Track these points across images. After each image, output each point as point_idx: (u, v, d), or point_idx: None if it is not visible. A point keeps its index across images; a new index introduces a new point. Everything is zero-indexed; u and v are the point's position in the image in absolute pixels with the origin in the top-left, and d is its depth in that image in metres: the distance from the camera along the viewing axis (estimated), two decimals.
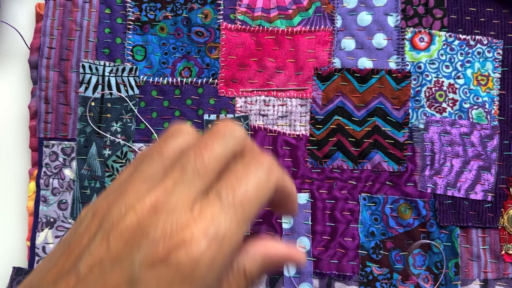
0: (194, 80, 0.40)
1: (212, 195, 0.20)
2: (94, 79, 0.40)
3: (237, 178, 0.20)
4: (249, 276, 0.22)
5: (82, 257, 0.20)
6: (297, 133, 0.39)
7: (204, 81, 0.40)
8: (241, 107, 0.40)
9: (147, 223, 0.19)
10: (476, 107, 0.39)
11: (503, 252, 0.37)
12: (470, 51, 0.39)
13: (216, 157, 0.21)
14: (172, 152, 0.22)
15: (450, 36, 0.39)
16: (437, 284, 0.37)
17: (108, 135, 0.39)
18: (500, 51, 0.39)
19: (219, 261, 0.19)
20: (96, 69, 0.40)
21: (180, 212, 0.20)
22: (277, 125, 0.39)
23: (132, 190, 0.20)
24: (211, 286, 0.19)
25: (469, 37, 0.39)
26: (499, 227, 0.38)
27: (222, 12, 0.40)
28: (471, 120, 0.39)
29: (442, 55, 0.39)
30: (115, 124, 0.40)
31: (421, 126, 0.39)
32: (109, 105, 0.40)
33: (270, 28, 0.40)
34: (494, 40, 0.39)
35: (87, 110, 0.40)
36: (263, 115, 0.39)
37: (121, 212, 0.20)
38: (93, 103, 0.40)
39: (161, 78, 0.40)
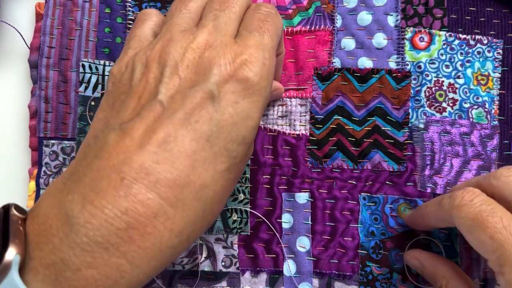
0: None
1: (246, 32, 0.26)
2: (94, 79, 0.40)
3: (264, 18, 0.27)
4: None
5: (158, 92, 0.23)
6: (297, 132, 0.39)
7: None
8: None
9: (209, 55, 0.24)
10: (476, 106, 0.39)
11: None
12: (470, 50, 0.39)
13: (238, 3, 0.27)
14: (197, 5, 0.27)
15: (450, 35, 0.39)
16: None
17: None
18: (500, 51, 0.39)
19: (270, 75, 0.25)
20: (96, 68, 0.40)
21: (230, 45, 0.25)
22: (277, 125, 0.39)
23: (178, 38, 0.25)
24: (269, 96, 0.26)
25: (469, 36, 0.39)
26: None
27: None
28: (471, 119, 0.39)
29: (442, 54, 0.39)
30: None
31: (421, 125, 0.39)
32: None
33: None
34: (494, 39, 0.39)
35: (87, 110, 0.40)
36: (263, 115, 0.39)
37: (179, 52, 0.24)
38: (93, 103, 0.40)
39: None
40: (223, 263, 0.38)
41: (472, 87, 0.39)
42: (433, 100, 0.39)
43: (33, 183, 0.40)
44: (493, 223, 0.25)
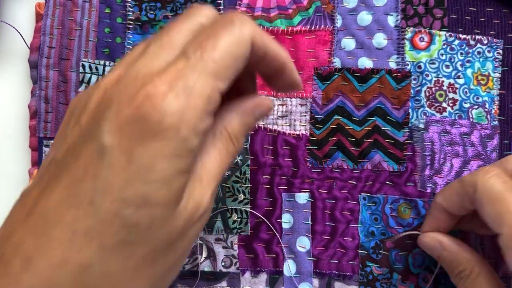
0: None
1: (178, 56, 0.19)
2: (94, 79, 0.40)
3: (206, 36, 0.19)
4: (233, 136, 0.22)
5: (58, 146, 0.20)
6: (297, 132, 0.39)
7: None
8: None
9: (111, 93, 0.19)
10: (476, 106, 0.39)
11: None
12: (470, 50, 0.39)
13: (181, 30, 0.20)
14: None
15: (450, 35, 0.39)
16: (431, 282, 0.37)
17: None
18: (500, 51, 0.39)
19: (192, 114, 0.18)
20: (96, 68, 0.40)
21: (143, 75, 0.19)
22: (277, 125, 0.39)
23: (103, 78, 0.21)
24: (191, 143, 0.19)
25: (469, 36, 0.39)
26: None
27: (222, 11, 0.40)
28: (471, 120, 0.39)
29: (442, 54, 0.39)
30: None
31: (421, 126, 0.39)
32: None
33: (270, 27, 0.40)
34: (494, 39, 0.39)
35: None
36: None
37: (89, 93, 0.20)
38: None
39: None
40: (223, 263, 0.38)
41: (472, 87, 0.39)
42: (433, 100, 0.39)
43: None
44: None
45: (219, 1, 0.40)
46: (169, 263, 0.20)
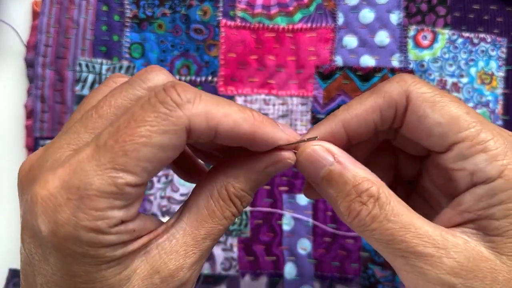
0: (193, 78, 0.39)
1: (90, 141, 0.18)
2: (91, 78, 0.39)
3: (127, 120, 0.17)
4: (234, 197, 0.20)
5: None
6: (298, 132, 0.39)
7: (203, 79, 0.39)
8: None
9: (21, 184, 0.19)
10: (480, 106, 0.38)
11: None
12: (474, 49, 0.39)
13: (111, 105, 0.18)
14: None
15: (453, 34, 0.39)
16: None
17: None
18: (504, 50, 0.39)
19: (88, 217, 0.17)
20: (93, 67, 0.39)
21: (50, 163, 0.18)
22: None
23: (29, 156, 0.20)
24: (101, 242, 0.17)
25: (472, 35, 0.39)
26: None
27: (221, 9, 0.39)
28: None
29: (445, 53, 0.39)
30: None
31: None
32: None
33: (271, 25, 0.39)
34: (498, 38, 0.39)
35: None
36: (264, 114, 0.39)
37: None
38: None
39: None
40: (222, 266, 0.38)
41: (476, 86, 0.39)
42: None
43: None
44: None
45: None
46: None
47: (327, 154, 0.21)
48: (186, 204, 0.21)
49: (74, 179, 0.17)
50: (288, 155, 0.21)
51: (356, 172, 0.20)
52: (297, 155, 0.22)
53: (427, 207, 0.24)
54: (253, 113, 0.20)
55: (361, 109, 0.22)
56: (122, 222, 0.18)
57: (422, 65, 0.39)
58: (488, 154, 0.19)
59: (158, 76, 0.20)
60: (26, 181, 0.18)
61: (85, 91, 0.39)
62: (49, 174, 0.17)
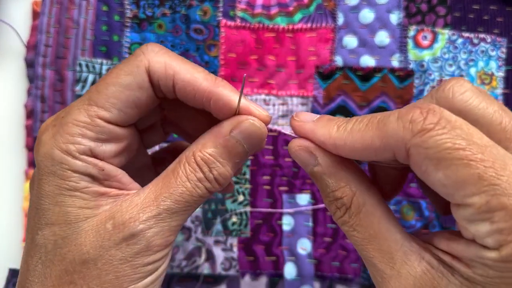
0: None
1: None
2: (91, 78, 0.39)
3: (109, 71, 0.22)
4: (202, 163, 0.22)
5: None
6: None
7: None
8: None
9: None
10: None
11: None
12: (474, 49, 0.39)
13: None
14: None
15: (453, 34, 0.39)
16: None
17: None
18: (504, 50, 0.39)
19: (61, 139, 0.21)
20: (93, 67, 0.39)
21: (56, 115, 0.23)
22: (278, 125, 0.39)
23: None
24: (68, 163, 0.20)
25: (472, 35, 0.39)
26: None
27: (221, 9, 0.39)
28: None
29: (445, 53, 0.39)
30: None
31: None
32: None
33: (271, 25, 0.39)
34: (498, 38, 0.39)
35: None
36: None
37: None
38: None
39: None
40: (222, 266, 0.38)
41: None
42: None
43: (29, 184, 0.39)
44: (480, 156, 0.17)
45: None
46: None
47: (310, 155, 0.22)
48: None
49: (61, 113, 0.21)
50: (248, 117, 0.22)
51: (335, 178, 0.21)
52: (288, 149, 0.23)
53: None
54: (217, 78, 0.22)
55: (357, 142, 0.20)
56: (92, 155, 0.21)
57: (422, 65, 0.38)
58: (493, 226, 0.17)
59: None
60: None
61: (85, 92, 0.39)
62: (51, 117, 0.22)
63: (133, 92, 0.21)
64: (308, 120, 0.22)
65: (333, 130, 0.21)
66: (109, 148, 0.21)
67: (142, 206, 0.21)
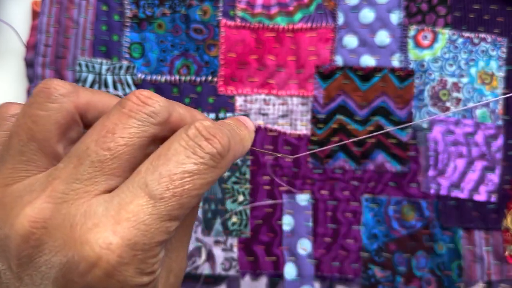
0: (193, 78, 0.39)
1: (133, 186, 0.17)
2: (90, 78, 0.39)
3: (177, 167, 0.17)
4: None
5: None
6: (298, 132, 0.39)
7: (203, 79, 0.39)
8: (240, 106, 0.39)
9: (33, 252, 0.16)
10: (480, 106, 0.38)
11: (507, 253, 0.37)
12: (474, 49, 0.39)
13: (126, 144, 0.17)
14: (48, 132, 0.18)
15: (453, 34, 0.39)
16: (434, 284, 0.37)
17: None
18: (505, 49, 0.39)
19: (148, 267, 0.17)
20: (93, 67, 0.39)
21: (87, 219, 0.16)
22: (278, 125, 0.39)
23: (9, 202, 0.17)
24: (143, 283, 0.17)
25: (473, 35, 0.39)
26: (502, 229, 0.37)
27: (221, 9, 0.39)
28: (475, 119, 0.38)
29: (445, 53, 0.39)
30: None
31: (425, 125, 0.38)
32: None
33: (271, 25, 0.39)
34: (498, 38, 0.39)
35: None
36: (263, 114, 0.39)
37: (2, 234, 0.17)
38: None
39: (159, 76, 0.39)
40: (222, 266, 0.38)
41: (476, 86, 0.39)
42: (437, 100, 0.38)
43: None
44: None
45: None
46: None
47: None
48: None
49: (138, 237, 0.16)
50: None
51: None
52: None
53: None
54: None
55: None
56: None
57: (422, 65, 0.38)
58: None
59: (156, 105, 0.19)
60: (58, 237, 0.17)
61: None
62: (107, 231, 0.16)
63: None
64: None
65: None
66: None
67: (181, 244, 0.21)
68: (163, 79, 0.39)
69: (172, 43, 0.39)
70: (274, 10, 0.39)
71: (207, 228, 0.38)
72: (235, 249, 0.38)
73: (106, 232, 0.16)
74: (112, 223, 0.16)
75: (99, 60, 0.39)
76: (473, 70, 0.39)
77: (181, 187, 0.17)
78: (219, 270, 0.38)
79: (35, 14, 0.40)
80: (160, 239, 0.17)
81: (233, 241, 0.38)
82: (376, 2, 0.39)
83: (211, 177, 0.18)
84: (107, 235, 0.16)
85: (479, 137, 0.38)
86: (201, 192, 0.17)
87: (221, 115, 0.39)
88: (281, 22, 0.39)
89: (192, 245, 0.38)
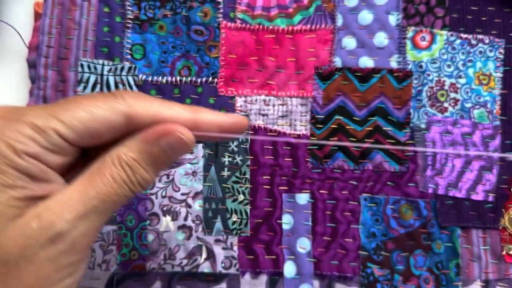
0: (194, 79, 0.40)
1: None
2: (92, 78, 0.39)
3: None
4: (125, 164, 0.22)
5: None
6: (298, 132, 0.39)
7: (203, 80, 0.40)
8: (241, 106, 0.39)
9: None
10: (478, 106, 0.39)
11: (504, 252, 0.37)
12: (472, 50, 0.39)
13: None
14: None
15: (451, 35, 0.39)
16: (432, 284, 0.37)
17: None
18: (502, 50, 0.39)
19: (10, 138, 0.20)
20: (95, 68, 0.40)
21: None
22: (277, 125, 0.39)
23: None
24: (16, 163, 0.20)
25: (470, 36, 0.39)
26: (500, 228, 0.38)
27: (221, 10, 0.40)
28: (472, 120, 0.39)
29: (443, 54, 0.39)
30: None
31: (423, 126, 0.38)
32: None
33: (270, 26, 0.39)
34: (496, 39, 0.39)
35: None
36: (263, 115, 0.39)
37: None
38: None
39: (160, 77, 0.40)
40: (222, 265, 0.38)
41: (474, 87, 0.39)
42: (435, 100, 0.39)
43: None
44: None
45: (219, 0, 0.40)
46: None
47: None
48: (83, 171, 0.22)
49: (19, 108, 0.21)
50: (177, 128, 0.22)
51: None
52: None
53: None
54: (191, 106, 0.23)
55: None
56: (37, 159, 0.20)
57: (421, 66, 0.39)
58: None
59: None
60: None
61: (87, 92, 0.39)
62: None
63: (100, 127, 0.21)
64: None
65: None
66: (54, 158, 0.21)
67: (68, 206, 0.20)
68: (164, 80, 0.40)
69: (173, 44, 0.40)
70: (273, 12, 0.40)
71: (208, 227, 0.38)
72: (236, 248, 0.38)
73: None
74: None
75: (101, 61, 0.40)
76: (470, 71, 0.39)
77: (74, 98, 0.22)
78: (219, 268, 0.38)
79: (37, 15, 0.40)
80: (34, 122, 0.20)
81: (233, 240, 0.38)
82: (375, 3, 0.39)
83: (103, 102, 0.21)
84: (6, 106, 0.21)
85: (476, 137, 0.38)
86: (87, 107, 0.21)
87: None
88: (280, 24, 0.39)
89: (193, 244, 0.38)
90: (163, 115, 0.22)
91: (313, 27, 0.39)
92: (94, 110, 0.21)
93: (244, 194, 0.38)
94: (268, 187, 0.39)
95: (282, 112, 0.39)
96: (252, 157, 0.39)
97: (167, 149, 0.22)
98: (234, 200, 0.38)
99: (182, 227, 0.38)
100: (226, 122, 0.23)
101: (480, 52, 0.39)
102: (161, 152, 0.22)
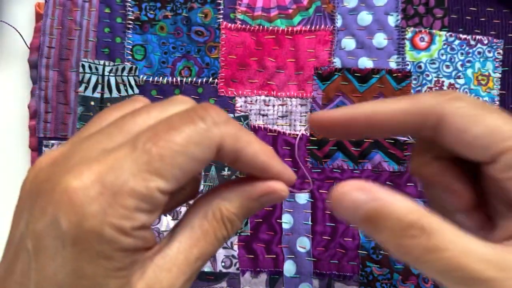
0: (194, 79, 0.40)
1: (126, 142, 0.17)
2: (94, 79, 0.40)
3: (166, 128, 0.17)
4: (227, 220, 0.20)
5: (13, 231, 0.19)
6: (297, 132, 0.39)
7: (204, 80, 0.40)
8: (241, 106, 0.39)
9: (40, 179, 0.18)
10: None
11: None
12: (471, 51, 0.39)
13: (149, 114, 0.19)
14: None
15: (450, 35, 0.39)
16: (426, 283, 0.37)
17: None
18: (501, 51, 0.39)
19: (116, 214, 0.16)
20: (96, 68, 0.40)
21: (79, 158, 0.17)
22: (277, 125, 0.39)
23: (44, 154, 0.19)
24: (120, 243, 0.17)
25: (469, 36, 0.39)
26: None
27: (222, 11, 0.40)
28: None
29: (442, 54, 0.39)
30: None
31: None
32: (108, 104, 0.40)
33: (270, 27, 0.40)
34: (495, 40, 0.39)
35: (88, 110, 0.40)
36: (263, 115, 0.39)
37: (29, 172, 0.19)
38: (92, 103, 0.40)
39: (161, 78, 0.40)
40: (223, 264, 0.38)
41: (472, 87, 0.39)
42: None
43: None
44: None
45: (219, 1, 0.40)
46: None
47: (361, 191, 0.19)
48: (179, 224, 0.20)
49: (110, 175, 0.16)
50: (283, 187, 0.21)
51: (398, 205, 0.18)
52: (332, 202, 0.20)
53: (483, 219, 0.22)
54: (267, 147, 0.21)
55: (387, 107, 0.21)
56: (142, 227, 0.18)
57: (420, 67, 0.39)
58: None
59: (186, 103, 0.20)
60: (50, 172, 0.17)
61: (88, 92, 0.40)
62: (84, 166, 0.17)
63: (196, 166, 0.18)
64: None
65: (363, 103, 0.21)
66: (156, 215, 0.18)
67: (177, 271, 0.19)
68: (165, 80, 0.40)
69: (174, 45, 0.40)
70: (273, 12, 0.40)
71: None
72: (236, 247, 0.38)
73: (83, 166, 0.17)
74: (93, 161, 0.17)
75: (102, 62, 0.40)
76: (469, 71, 0.39)
77: (163, 139, 0.17)
78: (219, 267, 0.38)
79: (39, 16, 0.41)
80: (137, 189, 0.17)
81: (233, 239, 0.38)
82: (374, 4, 0.40)
83: (200, 138, 0.18)
84: (83, 168, 0.17)
85: None
86: (186, 151, 0.17)
87: None
88: (280, 25, 0.40)
89: None
90: (246, 153, 0.19)
91: (313, 28, 0.40)
92: (190, 150, 0.18)
93: None
94: None
95: (282, 112, 0.39)
96: None
97: (265, 204, 0.21)
98: None
99: None
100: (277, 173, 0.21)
101: (479, 52, 0.39)
102: (259, 207, 0.21)
